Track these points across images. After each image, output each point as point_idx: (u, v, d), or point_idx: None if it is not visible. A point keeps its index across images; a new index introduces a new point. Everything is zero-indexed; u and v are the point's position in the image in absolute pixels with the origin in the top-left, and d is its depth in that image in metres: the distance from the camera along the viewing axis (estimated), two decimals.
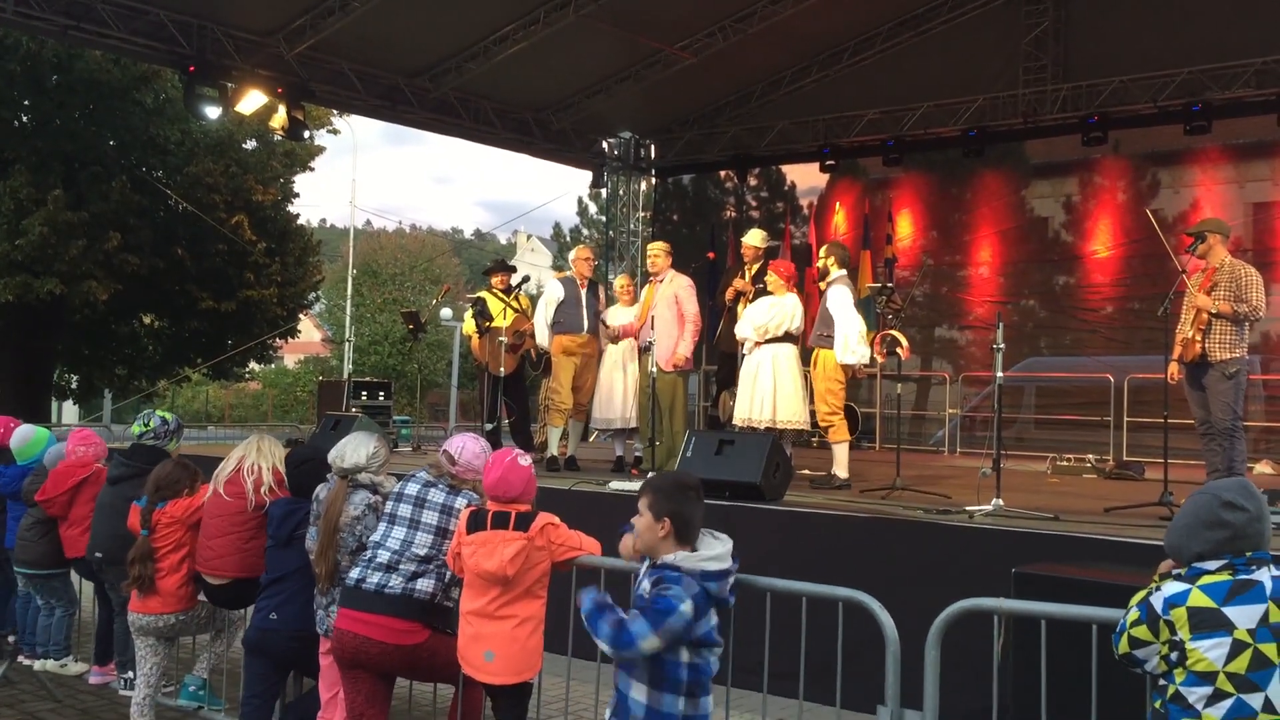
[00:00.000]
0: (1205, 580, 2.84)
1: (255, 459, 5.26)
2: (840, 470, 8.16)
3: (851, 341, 7.98)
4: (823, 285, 8.49)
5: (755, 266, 9.16)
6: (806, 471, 8.37)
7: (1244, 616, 2.77)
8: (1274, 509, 5.88)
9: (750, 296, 8.98)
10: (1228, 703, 2.75)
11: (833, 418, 8.16)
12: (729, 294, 9.37)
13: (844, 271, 8.40)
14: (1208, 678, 2.77)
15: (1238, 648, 2.75)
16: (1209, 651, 2.77)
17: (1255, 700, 2.73)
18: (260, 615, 4.80)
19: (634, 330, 9.12)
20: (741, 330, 8.64)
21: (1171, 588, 2.87)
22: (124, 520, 5.49)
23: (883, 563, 6.02)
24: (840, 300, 8.11)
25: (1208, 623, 2.78)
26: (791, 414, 8.26)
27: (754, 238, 9.40)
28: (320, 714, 4.70)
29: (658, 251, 9.32)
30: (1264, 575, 2.81)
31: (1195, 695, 2.78)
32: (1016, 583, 4.37)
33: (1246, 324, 6.88)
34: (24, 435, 6.80)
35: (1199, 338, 6.88)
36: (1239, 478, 3.22)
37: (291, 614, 4.70)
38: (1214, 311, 6.81)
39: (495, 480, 4.09)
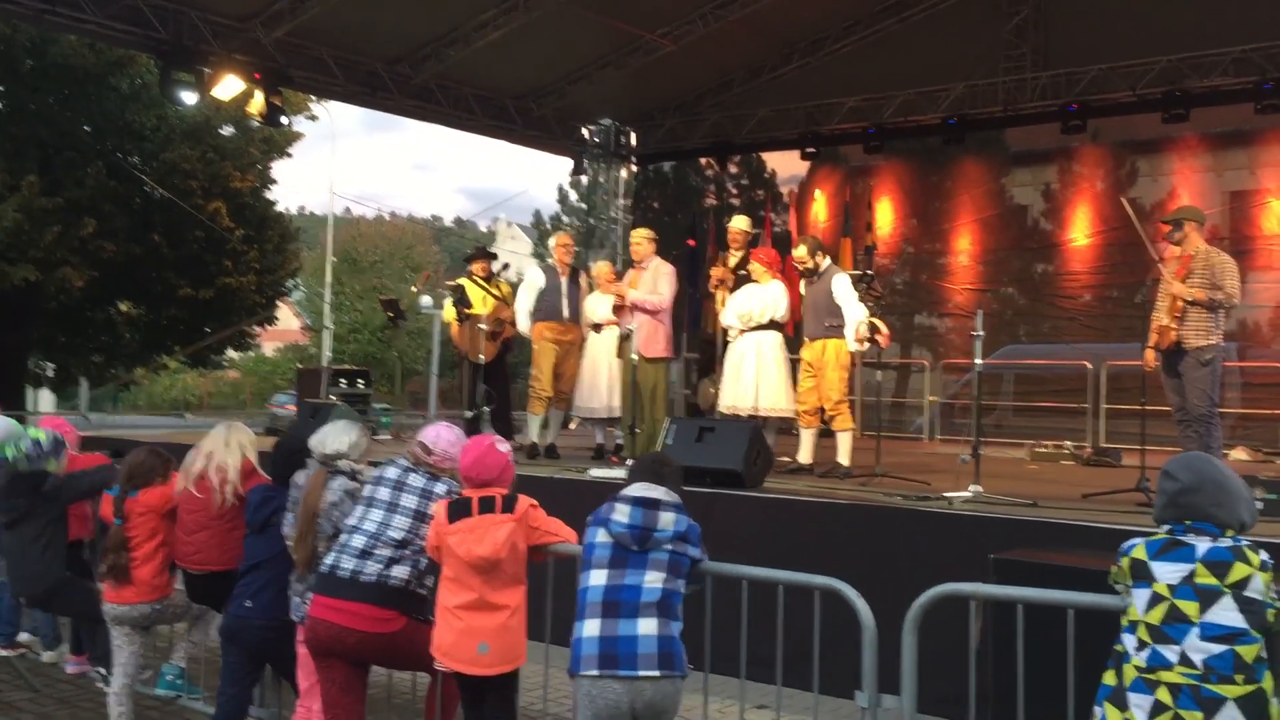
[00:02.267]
0: (1152, 537, 3.09)
1: (223, 456, 5.15)
2: (844, 459, 8.15)
3: (864, 330, 7.98)
4: (814, 276, 8.41)
5: (740, 253, 9.14)
6: (785, 459, 8.36)
7: (1167, 571, 2.98)
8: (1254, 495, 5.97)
9: (730, 284, 8.96)
10: (1146, 652, 2.95)
11: (841, 406, 8.16)
12: (711, 282, 9.36)
13: (831, 261, 8.43)
14: (1134, 626, 3.00)
15: (1155, 599, 2.97)
16: (1137, 600, 3.01)
17: (1170, 653, 2.91)
18: (236, 603, 4.77)
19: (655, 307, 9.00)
20: (725, 318, 8.63)
21: (1133, 540, 3.12)
22: (37, 561, 5.46)
23: (862, 549, 6.03)
24: (849, 289, 8.12)
25: (1139, 573, 3.03)
26: (774, 402, 8.25)
27: (741, 221, 9.40)
28: (299, 703, 4.69)
29: (640, 239, 9.28)
30: (1201, 541, 3.00)
31: (1129, 642, 3.01)
32: (995, 568, 4.38)
33: (1222, 311, 6.92)
34: None
35: (1175, 325, 6.91)
36: (1197, 453, 3.39)
37: (266, 602, 4.67)
38: (1189, 299, 6.85)
39: (471, 462, 4.10)
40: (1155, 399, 7.33)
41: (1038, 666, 3.53)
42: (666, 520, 3.70)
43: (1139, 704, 2.94)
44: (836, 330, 8.06)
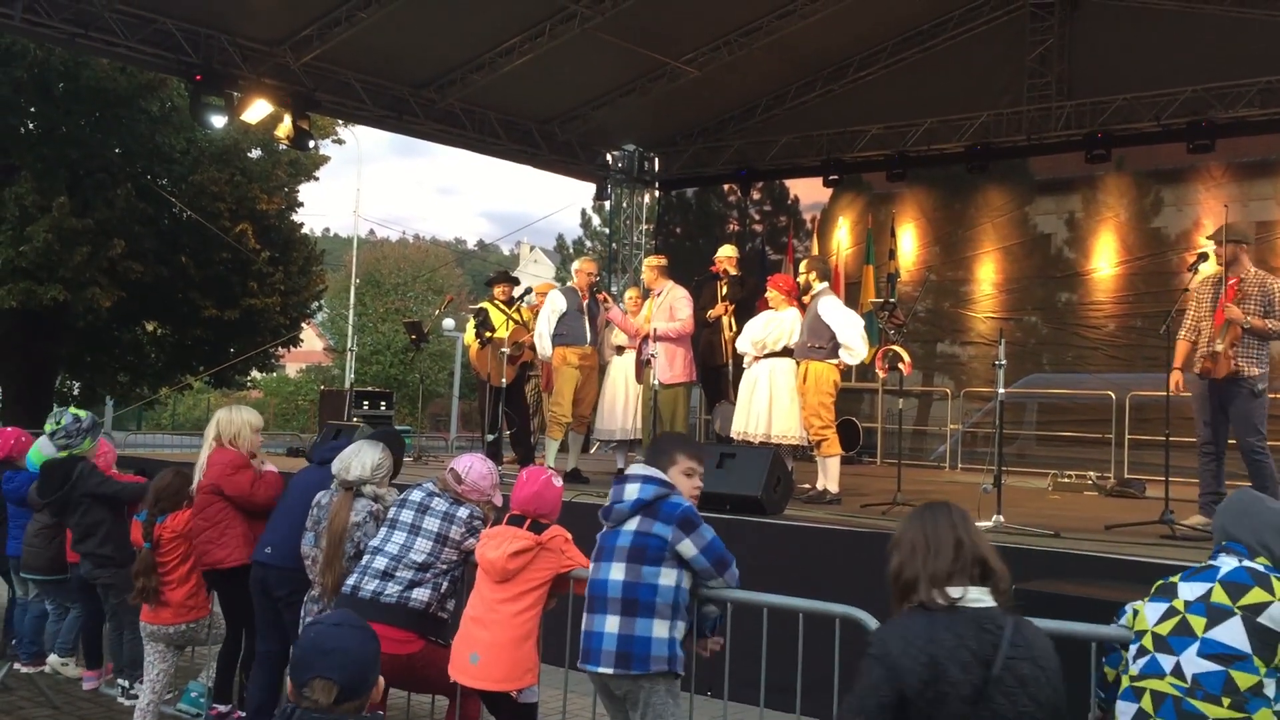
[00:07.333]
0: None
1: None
2: (831, 485, 8.14)
3: (856, 343, 7.97)
4: (806, 299, 8.44)
5: (726, 280, 9.34)
6: (806, 486, 8.35)
7: (1188, 590, 3.03)
8: None
9: (729, 311, 9.14)
10: (1144, 660, 2.98)
11: (826, 431, 8.14)
12: (713, 312, 9.42)
13: (826, 284, 8.43)
14: (1140, 635, 3.05)
15: (1170, 614, 3.00)
16: (1150, 613, 3.05)
17: (1166, 662, 2.93)
18: (258, 550, 5.00)
19: (637, 331, 9.12)
20: (741, 344, 8.65)
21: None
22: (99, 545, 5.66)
23: (883, 577, 5.99)
24: (834, 307, 8.11)
25: (1163, 591, 3.09)
26: (786, 428, 8.25)
27: (726, 250, 9.53)
28: None
29: (647, 267, 9.47)
30: (1227, 561, 3.06)
31: (1131, 652, 3.07)
32: (1016, 599, 4.35)
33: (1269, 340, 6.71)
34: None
35: (1233, 353, 6.58)
36: (1247, 487, 3.70)
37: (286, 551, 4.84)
38: (1247, 325, 6.59)
39: (528, 496, 4.13)
40: (1180, 430, 7.24)
41: None
42: (630, 490, 3.79)
43: (1124, 711, 2.96)
44: (819, 353, 8.06)
